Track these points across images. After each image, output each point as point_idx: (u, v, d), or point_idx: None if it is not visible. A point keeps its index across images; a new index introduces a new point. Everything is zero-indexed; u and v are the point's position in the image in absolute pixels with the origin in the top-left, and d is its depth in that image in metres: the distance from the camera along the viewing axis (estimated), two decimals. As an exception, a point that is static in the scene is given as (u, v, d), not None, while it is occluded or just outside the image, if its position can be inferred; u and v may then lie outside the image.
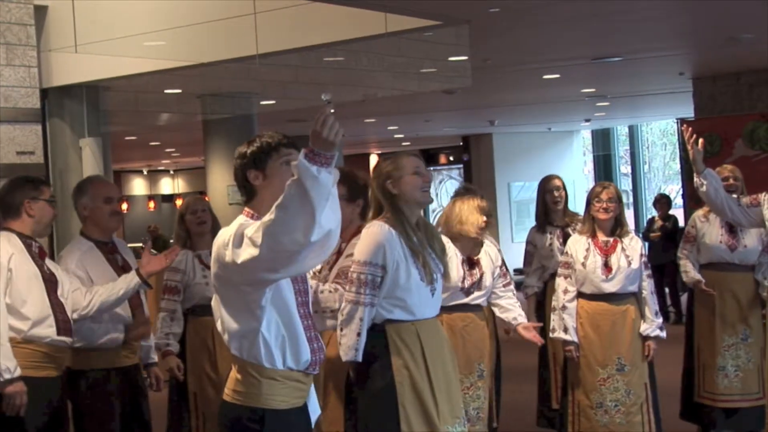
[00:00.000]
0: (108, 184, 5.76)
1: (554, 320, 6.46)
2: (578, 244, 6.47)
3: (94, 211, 5.45)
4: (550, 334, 6.52)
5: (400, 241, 4.53)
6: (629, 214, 23.40)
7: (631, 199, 23.14)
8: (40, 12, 11.33)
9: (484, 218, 6.05)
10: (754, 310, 7.22)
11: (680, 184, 17.55)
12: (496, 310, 6.18)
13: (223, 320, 3.52)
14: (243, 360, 3.49)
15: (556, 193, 7.30)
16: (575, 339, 6.37)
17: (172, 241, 6.64)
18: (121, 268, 5.45)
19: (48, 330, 4.95)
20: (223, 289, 3.54)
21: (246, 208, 3.70)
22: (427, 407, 4.40)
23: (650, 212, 22.84)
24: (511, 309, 6.14)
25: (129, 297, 5.22)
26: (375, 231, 4.56)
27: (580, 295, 6.44)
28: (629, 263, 6.34)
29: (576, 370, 6.41)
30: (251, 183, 3.73)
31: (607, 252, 6.36)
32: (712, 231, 7.32)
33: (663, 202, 15.01)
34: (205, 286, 6.24)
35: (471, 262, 6.02)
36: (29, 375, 4.86)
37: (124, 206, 24.63)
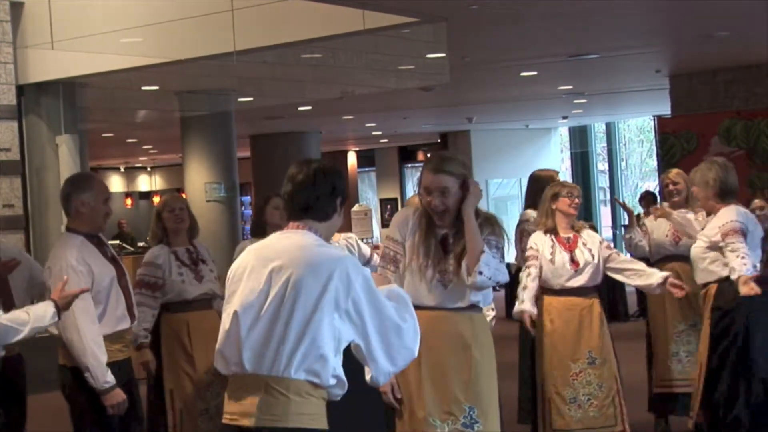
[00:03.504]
0: (105, 185, 5.65)
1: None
2: (542, 241, 6.50)
3: (94, 209, 5.34)
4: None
5: (418, 222, 4.54)
6: (606, 211, 23.50)
7: (608, 196, 23.21)
8: (16, 8, 11.30)
9: None
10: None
11: (657, 181, 17.60)
12: None
13: (288, 342, 3.37)
14: (315, 383, 3.40)
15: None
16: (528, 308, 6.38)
17: (143, 243, 6.60)
18: (112, 260, 5.41)
19: None
20: (317, 314, 3.38)
21: (314, 226, 3.55)
22: (410, 395, 4.41)
23: (627, 209, 22.91)
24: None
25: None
26: (401, 211, 4.74)
27: (547, 291, 6.46)
28: (593, 257, 6.41)
29: (546, 366, 6.44)
30: (337, 208, 3.60)
31: (570, 248, 6.41)
32: (660, 227, 7.36)
33: (648, 198, 15.06)
34: (180, 284, 6.23)
35: None
36: None
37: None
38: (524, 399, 7.45)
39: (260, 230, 6.41)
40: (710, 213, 6.46)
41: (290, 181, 3.54)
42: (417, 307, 4.09)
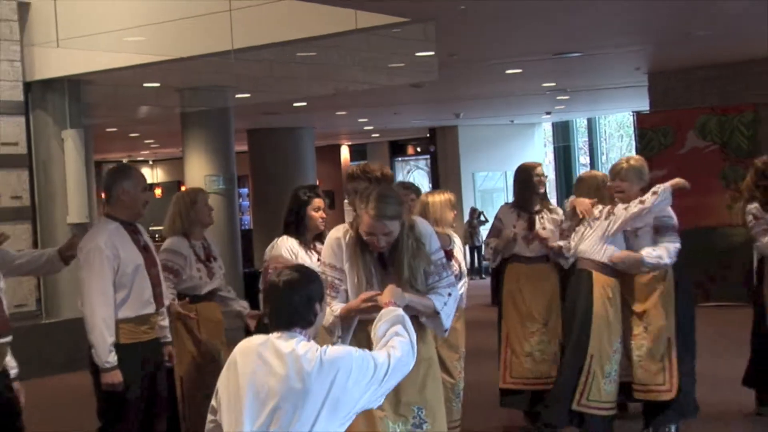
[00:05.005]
0: (143, 175, 5.69)
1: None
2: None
3: (134, 196, 5.41)
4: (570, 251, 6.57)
5: (353, 248, 4.39)
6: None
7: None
8: (23, 8, 11.31)
9: (455, 212, 6.20)
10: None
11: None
12: None
13: None
14: None
15: (539, 180, 7.25)
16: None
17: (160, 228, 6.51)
18: (144, 248, 5.43)
19: None
20: (321, 415, 3.34)
21: (302, 332, 3.49)
22: None
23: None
24: None
25: None
26: (331, 234, 4.52)
27: (600, 267, 6.52)
28: None
29: (600, 343, 6.52)
30: (317, 311, 3.54)
31: None
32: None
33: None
34: (198, 280, 6.20)
35: (448, 256, 6.06)
36: None
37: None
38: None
39: (302, 227, 5.94)
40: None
41: (267, 303, 3.51)
42: (369, 320, 4.03)
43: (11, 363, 4.88)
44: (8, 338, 4.76)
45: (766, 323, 7.30)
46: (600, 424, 6.51)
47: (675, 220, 6.55)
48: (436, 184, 22.95)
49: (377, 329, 3.69)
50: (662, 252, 6.43)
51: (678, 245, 6.50)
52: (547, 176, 7.29)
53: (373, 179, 4.92)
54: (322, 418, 3.30)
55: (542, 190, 7.23)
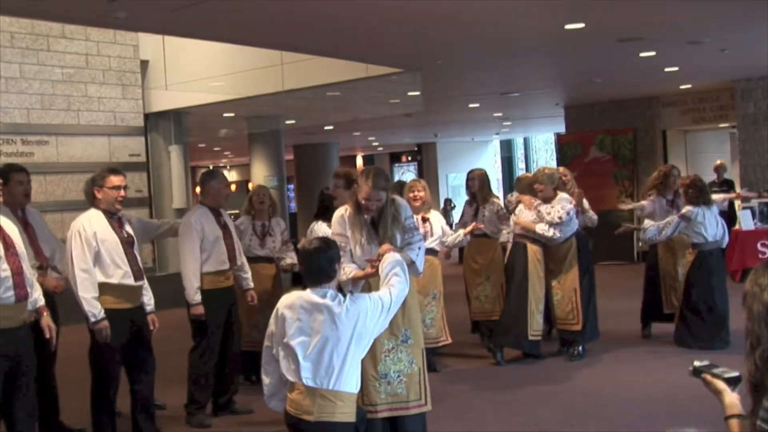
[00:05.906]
0: (226, 177, 5.60)
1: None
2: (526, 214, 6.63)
3: (218, 191, 5.38)
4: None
5: (352, 218, 4.18)
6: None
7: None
8: (144, 64, 11.35)
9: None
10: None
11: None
12: None
13: (333, 367, 3.18)
14: (349, 392, 3.24)
15: (469, 183, 7.18)
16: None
17: (237, 212, 6.45)
18: (223, 226, 5.38)
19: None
20: (350, 347, 3.21)
21: (329, 285, 3.29)
22: None
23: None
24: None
25: None
26: (335, 214, 4.34)
27: (537, 242, 6.55)
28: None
29: (537, 291, 6.58)
30: (336, 270, 3.34)
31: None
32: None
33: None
34: (248, 245, 6.14)
35: (423, 220, 6.17)
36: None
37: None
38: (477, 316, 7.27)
39: (326, 210, 5.82)
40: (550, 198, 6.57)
41: (302, 264, 3.33)
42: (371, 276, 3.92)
43: (150, 301, 4.79)
44: (141, 282, 4.74)
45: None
46: (534, 346, 6.59)
47: (564, 218, 6.48)
48: (421, 182, 22.87)
49: (383, 269, 3.59)
50: (550, 230, 6.49)
51: (555, 226, 6.48)
52: (475, 180, 7.00)
53: (349, 178, 4.89)
54: (351, 347, 3.19)
55: (472, 190, 7.04)
